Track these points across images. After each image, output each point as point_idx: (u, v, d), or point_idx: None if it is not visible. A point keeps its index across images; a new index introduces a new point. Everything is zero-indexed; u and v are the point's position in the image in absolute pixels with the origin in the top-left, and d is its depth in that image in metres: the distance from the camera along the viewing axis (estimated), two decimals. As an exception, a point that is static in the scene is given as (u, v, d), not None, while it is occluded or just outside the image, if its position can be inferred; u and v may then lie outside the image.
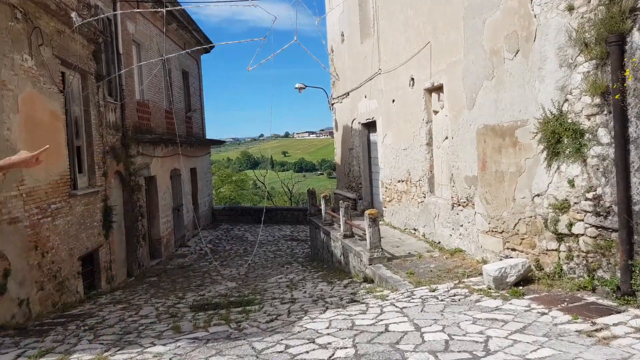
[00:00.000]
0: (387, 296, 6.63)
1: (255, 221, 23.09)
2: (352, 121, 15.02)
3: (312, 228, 14.07)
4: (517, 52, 6.57)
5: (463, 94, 8.13)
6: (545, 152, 6.04)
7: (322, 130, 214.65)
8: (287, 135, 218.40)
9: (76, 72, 10.26)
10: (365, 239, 9.93)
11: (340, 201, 10.85)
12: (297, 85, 16.87)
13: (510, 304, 5.45)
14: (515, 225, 6.78)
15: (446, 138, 9.24)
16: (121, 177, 12.78)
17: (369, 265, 8.72)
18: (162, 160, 15.97)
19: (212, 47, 22.46)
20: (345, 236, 10.62)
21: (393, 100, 11.53)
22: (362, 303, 6.44)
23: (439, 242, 9.61)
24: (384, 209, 12.84)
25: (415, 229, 10.81)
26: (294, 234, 20.36)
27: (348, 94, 15.21)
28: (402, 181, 11.35)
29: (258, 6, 10.00)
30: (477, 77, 7.64)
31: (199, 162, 20.99)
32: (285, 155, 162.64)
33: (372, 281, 8.46)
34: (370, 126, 13.85)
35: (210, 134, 21.77)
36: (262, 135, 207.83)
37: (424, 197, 10.24)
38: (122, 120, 12.87)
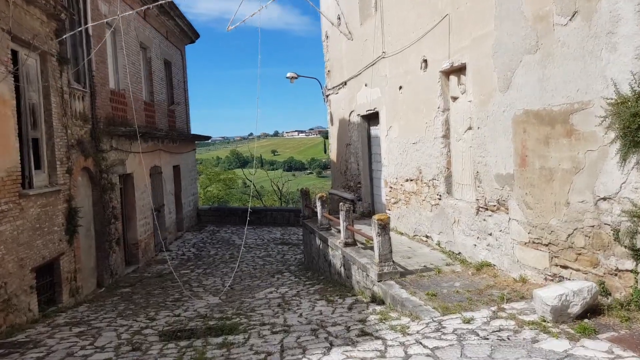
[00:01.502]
0: (408, 327, 5.20)
1: (243, 222, 21.43)
2: (350, 113, 13.58)
3: (306, 233, 12.61)
4: (573, 15, 5.16)
5: (494, 73, 6.71)
6: (618, 143, 4.64)
7: (312, 129, 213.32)
8: (276, 134, 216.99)
9: (32, 52, 8.71)
10: (371, 248, 8.51)
11: (341, 203, 9.40)
12: (288, 75, 15.40)
13: (583, 347, 4.03)
14: (569, 236, 5.37)
15: (469, 129, 7.84)
16: (90, 175, 11.22)
17: (378, 282, 7.28)
18: (140, 157, 14.41)
19: (198, 37, 20.96)
20: (346, 244, 9.18)
21: (400, 88, 10.10)
22: (377, 338, 5.00)
23: (459, 253, 8.21)
24: (387, 211, 11.41)
25: (427, 236, 9.40)
26: (284, 236, 18.87)
27: (345, 83, 13.76)
28: (411, 180, 9.93)
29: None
30: (514, 51, 6.22)
31: (183, 159, 19.42)
32: (274, 154, 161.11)
33: (382, 302, 7.02)
34: (371, 118, 12.41)
35: (198, 132, 20.15)
36: (251, 134, 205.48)
37: (439, 199, 8.82)
38: (92, 111, 11.30)
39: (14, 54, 8.32)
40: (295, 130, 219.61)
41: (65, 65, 9.76)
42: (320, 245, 10.99)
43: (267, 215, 21.80)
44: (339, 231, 10.64)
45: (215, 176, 41.16)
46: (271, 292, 9.53)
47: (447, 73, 8.37)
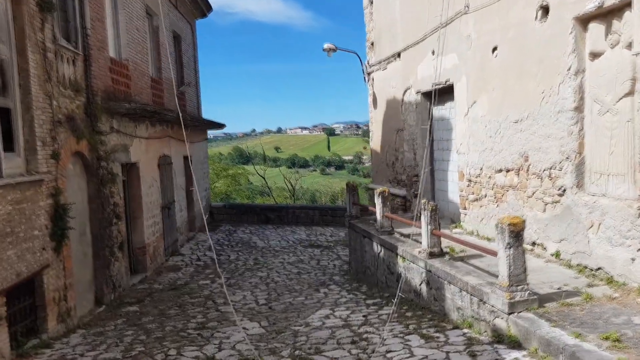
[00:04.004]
0: None
1: (261, 221, 19.27)
2: (405, 92, 11.15)
3: (355, 236, 10.20)
4: None
5: None
6: None
7: (315, 126, 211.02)
8: (279, 130, 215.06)
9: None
10: (462, 260, 6.17)
11: (423, 201, 6.98)
12: (325, 46, 12.98)
13: None
14: None
15: (628, 94, 5.42)
16: (85, 162, 8.81)
17: (509, 314, 4.89)
18: (147, 143, 12.02)
19: (210, 10, 18.52)
20: (432, 255, 6.77)
21: (494, 49, 7.67)
22: None
23: (599, 269, 5.81)
24: (462, 211, 9.02)
25: (535, 244, 6.99)
26: (311, 237, 16.47)
27: (398, 55, 11.31)
28: (509, 170, 7.50)
29: None
30: None
31: (194, 150, 17.00)
32: (278, 151, 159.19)
33: (516, 344, 4.71)
34: (439, 95, 9.98)
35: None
36: (254, 131, 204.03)
37: (561, 195, 6.41)
38: (87, 80, 8.89)
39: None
40: (299, 127, 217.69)
41: (48, 14, 7.33)
42: (382, 254, 8.59)
43: (288, 214, 19.43)
44: (408, 236, 8.26)
45: (222, 171, 38.71)
46: (327, 317, 7.13)
47: (585, 20, 5.94)
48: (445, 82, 9.27)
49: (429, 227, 6.79)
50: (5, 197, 6.05)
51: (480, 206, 8.37)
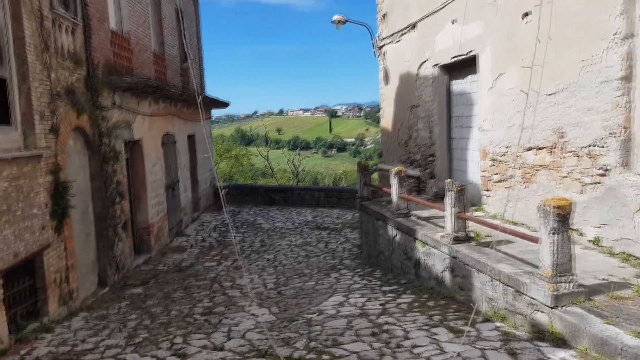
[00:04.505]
0: None
1: (265, 202, 18.83)
2: (421, 65, 10.58)
3: (368, 219, 9.75)
4: None
5: None
6: None
7: (317, 107, 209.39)
8: (281, 112, 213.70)
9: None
10: (487, 245, 5.75)
11: (447, 181, 6.49)
12: (335, 18, 12.33)
13: None
14: None
15: (685, 63, 4.90)
16: (86, 138, 8.33)
17: (553, 307, 4.45)
18: (151, 121, 11.51)
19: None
20: (457, 240, 6.31)
21: (525, 15, 7.12)
22: None
23: (645, 256, 5.36)
24: (483, 193, 8.55)
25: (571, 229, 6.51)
26: (317, 219, 16.03)
27: (414, 26, 10.71)
28: (540, 148, 7.01)
29: None
30: None
31: (198, 128, 16.47)
32: (279, 133, 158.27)
33: (561, 341, 4.27)
34: (458, 68, 9.45)
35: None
36: (256, 112, 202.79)
37: (604, 175, 5.93)
38: (87, 52, 8.35)
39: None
40: (301, 109, 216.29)
41: (46, -25, 6.79)
42: (397, 237, 8.15)
43: (293, 195, 18.97)
44: (427, 219, 7.83)
45: (225, 152, 38.17)
46: (342, 304, 6.71)
47: (635, -22, 5.38)
48: (467, 53, 8.71)
49: (454, 209, 6.32)
50: (0, 172, 5.58)
51: (506, 187, 7.90)
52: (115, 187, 9.16)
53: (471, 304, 5.73)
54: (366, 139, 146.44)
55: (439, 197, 9.87)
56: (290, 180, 37.81)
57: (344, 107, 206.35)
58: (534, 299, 4.71)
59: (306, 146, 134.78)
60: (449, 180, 6.50)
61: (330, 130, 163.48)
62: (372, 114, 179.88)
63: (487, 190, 8.43)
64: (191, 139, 15.55)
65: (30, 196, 6.22)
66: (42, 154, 6.53)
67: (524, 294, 4.86)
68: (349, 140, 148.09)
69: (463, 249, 6.11)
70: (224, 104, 18.15)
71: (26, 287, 6.31)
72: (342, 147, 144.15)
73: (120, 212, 9.35)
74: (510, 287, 5.08)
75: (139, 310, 7.23)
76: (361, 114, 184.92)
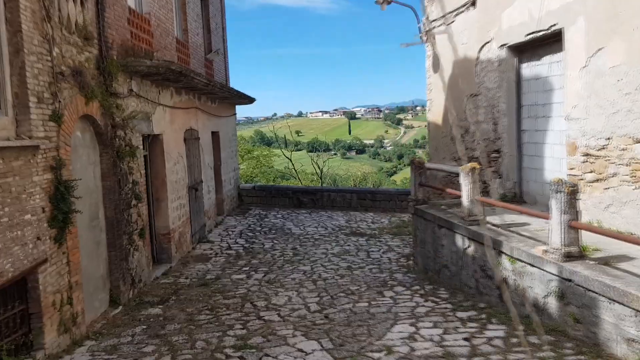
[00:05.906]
0: None
1: (293, 205, 17.47)
2: (482, 47, 9.11)
3: (426, 225, 8.29)
4: None
5: None
6: None
7: (336, 109, 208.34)
8: (300, 114, 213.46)
9: None
10: (614, 265, 4.28)
11: (555, 181, 5.02)
12: (379, -1, 10.96)
13: None
14: None
15: None
16: (97, 129, 7.05)
17: None
18: (172, 113, 10.26)
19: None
20: (568, 256, 4.83)
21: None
22: None
23: None
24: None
25: None
26: (351, 224, 14.58)
27: (473, 2, 9.25)
28: (664, 140, 5.49)
29: None
30: None
31: (222, 125, 15.24)
32: (299, 135, 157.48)
33: None
34: (532, 48, 7.96)
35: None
36: (275, 115, 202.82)
37: None
38: (100, 27, 7.09)
39: None
40: (319, 111, 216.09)
41: None
42: (471, 249, 6.67)
43: (323, 197, 17.56)
44: (508, 227, 6.35)
45: (247, 153, 36.97)
46: (412, 338, 5.26)
47: None
48: (549, 28, 7.20)
49: (564, 216, 4.84)
50: (-22, 167, 4.31)
51: (606, 188, 6.38)
52: (131, 188, 7.89)
53: (596, 344, 4.25)
54: (385, 141, 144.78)
55: (506, 199, 8.39)
56: (313, 182, 36.49)
57: (363, 109, 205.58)
58: None
59: (326, 148, 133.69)
60: (556, 178, 5.02)
61: (350, 132, 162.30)
62: (392, 115, 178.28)
63: (580, 192, 6.90)
64: (215, 135, 14.29)
65: (22, 198, 4.94)
66: (39, 145, 5.25)
67: None
68: (368, 142, 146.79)
69: (581, 269, 4.63)
70: (250, 99, 16.87)
71: (15, 313, 5.02)
72: (361, 149, 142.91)
73: (137, 217, 8.08)
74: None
75: (157, 339, 5.91)
76: (380, 116, 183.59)
